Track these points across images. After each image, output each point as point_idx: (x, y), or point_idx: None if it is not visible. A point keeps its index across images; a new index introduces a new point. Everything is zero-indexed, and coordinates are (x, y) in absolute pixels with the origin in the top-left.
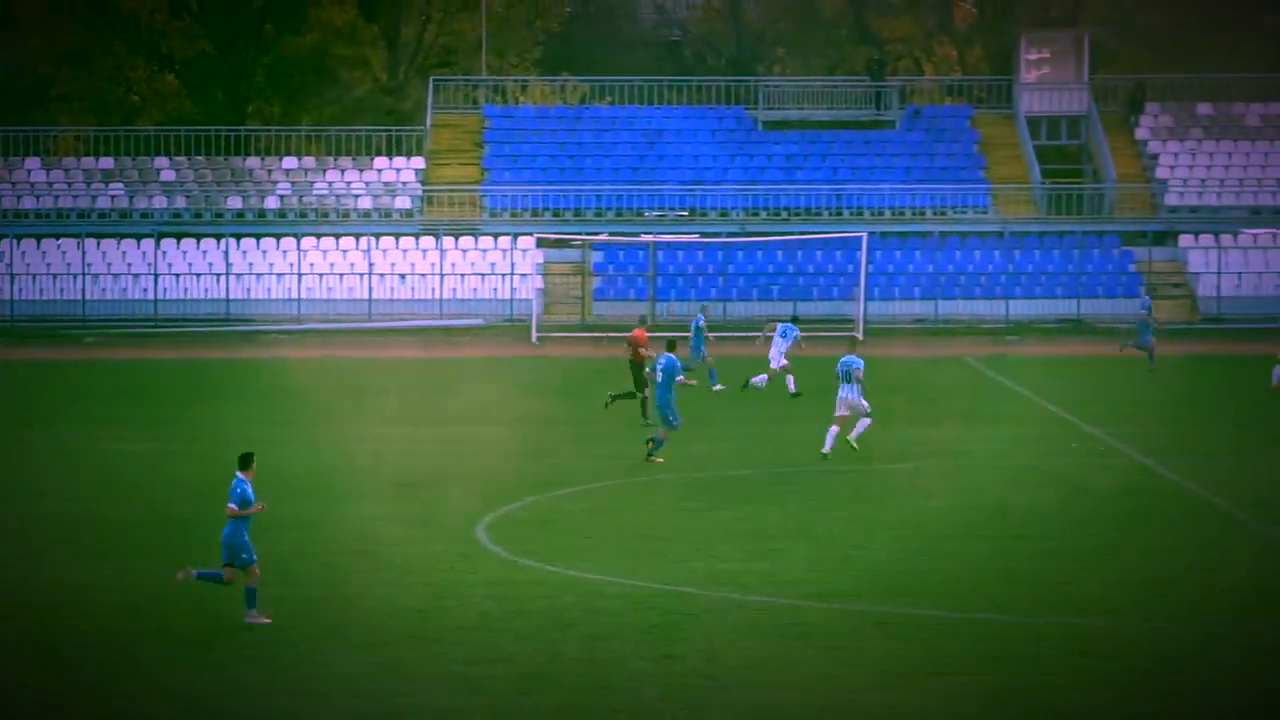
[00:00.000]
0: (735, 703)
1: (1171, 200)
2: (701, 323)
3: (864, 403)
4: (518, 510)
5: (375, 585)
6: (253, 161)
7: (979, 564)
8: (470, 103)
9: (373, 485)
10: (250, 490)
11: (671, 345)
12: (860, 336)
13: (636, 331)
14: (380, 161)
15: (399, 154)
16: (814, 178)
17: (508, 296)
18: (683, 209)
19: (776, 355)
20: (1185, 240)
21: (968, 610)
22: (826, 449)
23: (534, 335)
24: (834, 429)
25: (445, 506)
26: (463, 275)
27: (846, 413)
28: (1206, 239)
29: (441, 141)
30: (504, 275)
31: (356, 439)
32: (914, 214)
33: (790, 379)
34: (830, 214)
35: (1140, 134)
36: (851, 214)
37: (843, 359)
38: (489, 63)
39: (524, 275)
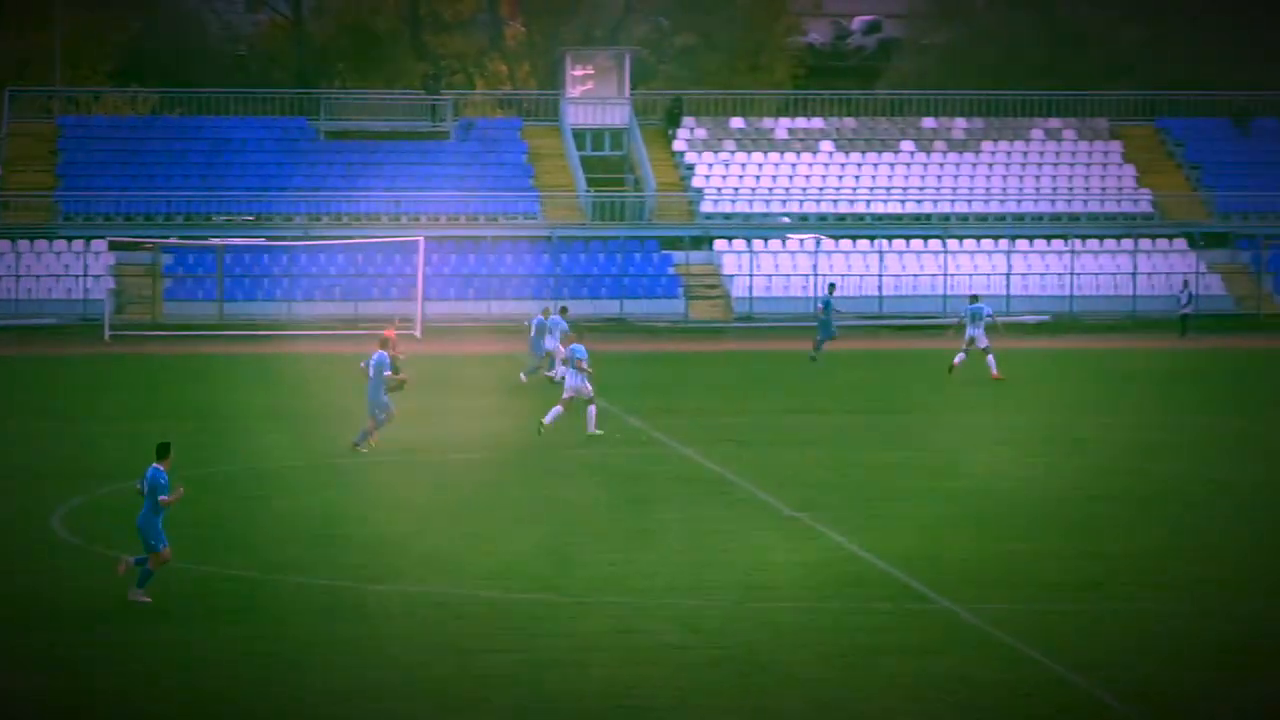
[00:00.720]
0: (307, 682)
1: (707, 207)
2: (540, 322)
3: (588, 386)
4: (93, 500)
5: None
6: None
7: (535, 547)
8: (45, 112)
9: None
10: (167, 478)
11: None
12: (418, 334)
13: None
14: None
15: None
16: (373, 185)
17: (81, 297)
18: (250, 214)
19: (551, 346)
20: (720, 245)
21: (527, 591)
22: (546, 420)
23: (106, 334)
24: (557, 408)
25: (26, 496)
26: (38, 277)
27: (571, 395)
28: (739, 244)
29: (17, 150)
30: (77, 277)
31: None
32: (468, 219)
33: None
34: (389, 219)
35: (678, 145)
36: (409, 220)
37: (570, 347)
38: (63, 74)
39: (97, 277)
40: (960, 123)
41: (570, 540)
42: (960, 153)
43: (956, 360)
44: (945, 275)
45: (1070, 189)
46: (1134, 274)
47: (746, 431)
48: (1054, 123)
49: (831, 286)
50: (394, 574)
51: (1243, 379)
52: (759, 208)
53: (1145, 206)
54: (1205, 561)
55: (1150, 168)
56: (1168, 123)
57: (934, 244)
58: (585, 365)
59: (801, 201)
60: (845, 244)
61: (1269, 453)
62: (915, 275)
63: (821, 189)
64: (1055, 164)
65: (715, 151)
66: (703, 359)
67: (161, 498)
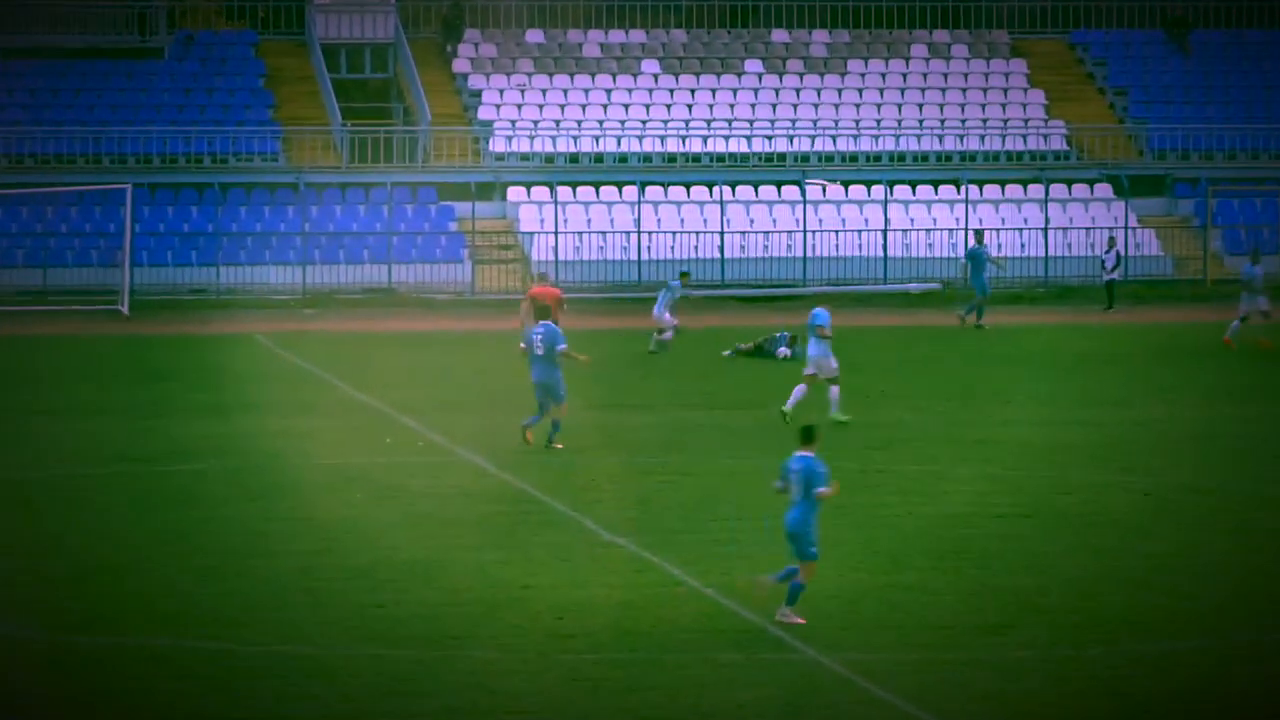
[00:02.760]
0: None
1: (497, 146)
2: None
3: (832, 361)
4: None
5: None
6: None
7: (278, 586)
8: None
9: None
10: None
11: None
12: (125, 311)
13: (546, 290)
14: None
15: None
16: (65, 117)
17: None
18: None
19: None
20: (515, 194)
21: (268, 643)
22: (788, 406)
23: None
24: (801, 387)
25: None
26: None
27: (814, 371)
28: (540, 193)
29: None
30: None
31: None
32: (190, 161)
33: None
34: (87, 161)
35: (459, 66)
36: (113, 161)
37: (813, 311)
38: None
39: None
40: (821, 36)
41: (325, 576)
42: (820, 75)
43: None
44: (804, 232)
45: (962, 121)
46: (1045, 229)
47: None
48: (940, 36)
49: (979, 234)
50: (101, 620)
51: (1182, 362)
52: (564, 146)
53: (1058, 142)
54: (1136, 595)
55: (1063, 93)
56: (1084, 36)
57: (789, 191)
58: (828, 331)
59: (619, 138)
60: (676, 192)
61: (1213, 455)
62: (766, 232)
63: (644, 122)
64: (942, 89)
65: (507, 74)
66: (496, 340)
67: (820, 490)
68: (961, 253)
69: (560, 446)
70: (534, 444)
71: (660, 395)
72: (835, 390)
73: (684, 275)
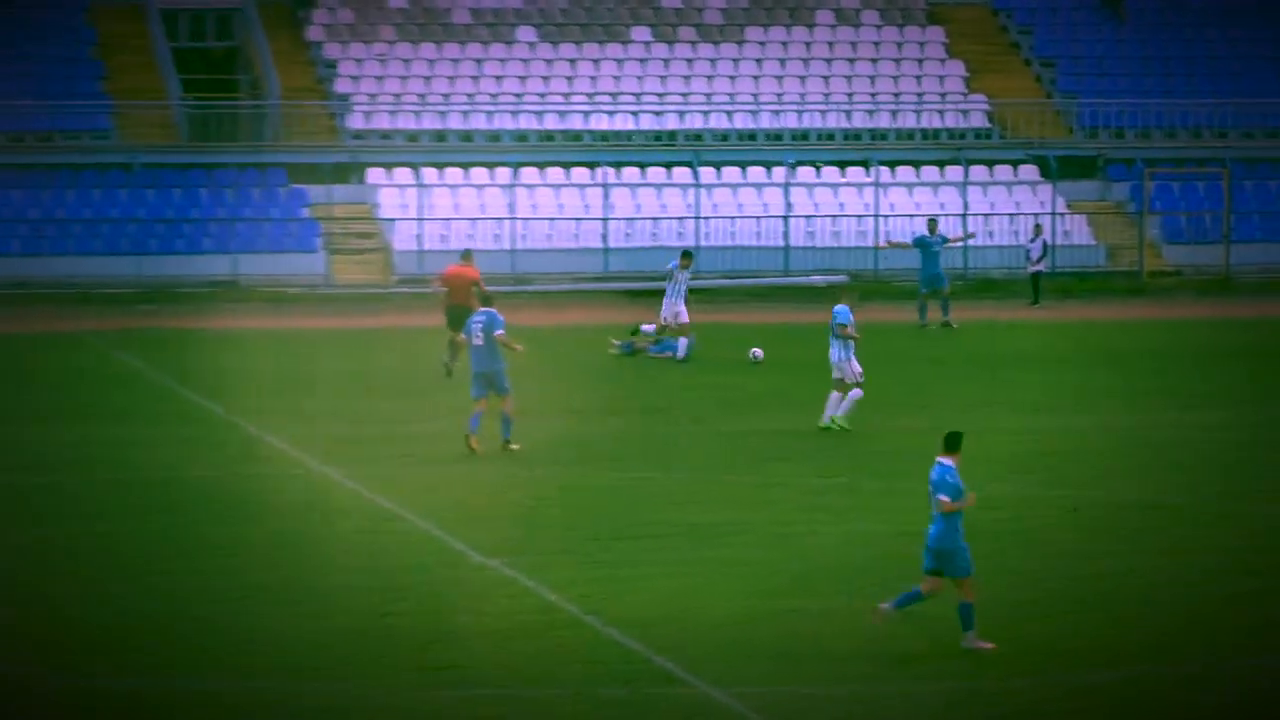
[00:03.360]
0: None
1: (355, 123)
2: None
3: (856, 365)
4: None
5: None
6: None
7: (109, 610)
8: None
9: None
10: (957, 478)
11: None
12: None
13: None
14: None
15: None
16: None
17: None
18: None
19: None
20: (375, 176)
21: (105, 675)
22: (840, 414)
23: None
24: (835, 395)
25: None
26: None
27: (839, 376)
28: (403, 175)
29: None
30: None
31: None
32: (10, 140)
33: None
34: None
35: (312, 34)
36: None
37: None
38: None
39: None
40: (716, 1)
41: (162, 599)
42: (716, 44)
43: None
44: (697, 219)
45: (872, 95)
46: (964, 215)
47: (421, 442)
48: (848, 1)
49: (932, 222)
50: None
51: (1115, 364)
52: (430, 123)
53: (978, 119)
54: (1066, 621)
55: (985, 64)
56: (1009, 1)
57: (680, 173)
58: (852, 331)
59: (490, 114)
60: (554, 174)
61: (1148, 466)
62: (655, 219)
63: (520, 96)
64: (850, 59)
65: (367, 42)
66: (352, 339)
67: (942, 499)
68: (870, 240)
69: (517, 447)
70: (480, 451)
71: (541, 400)
72: (856, 394)
73: (686, 256)
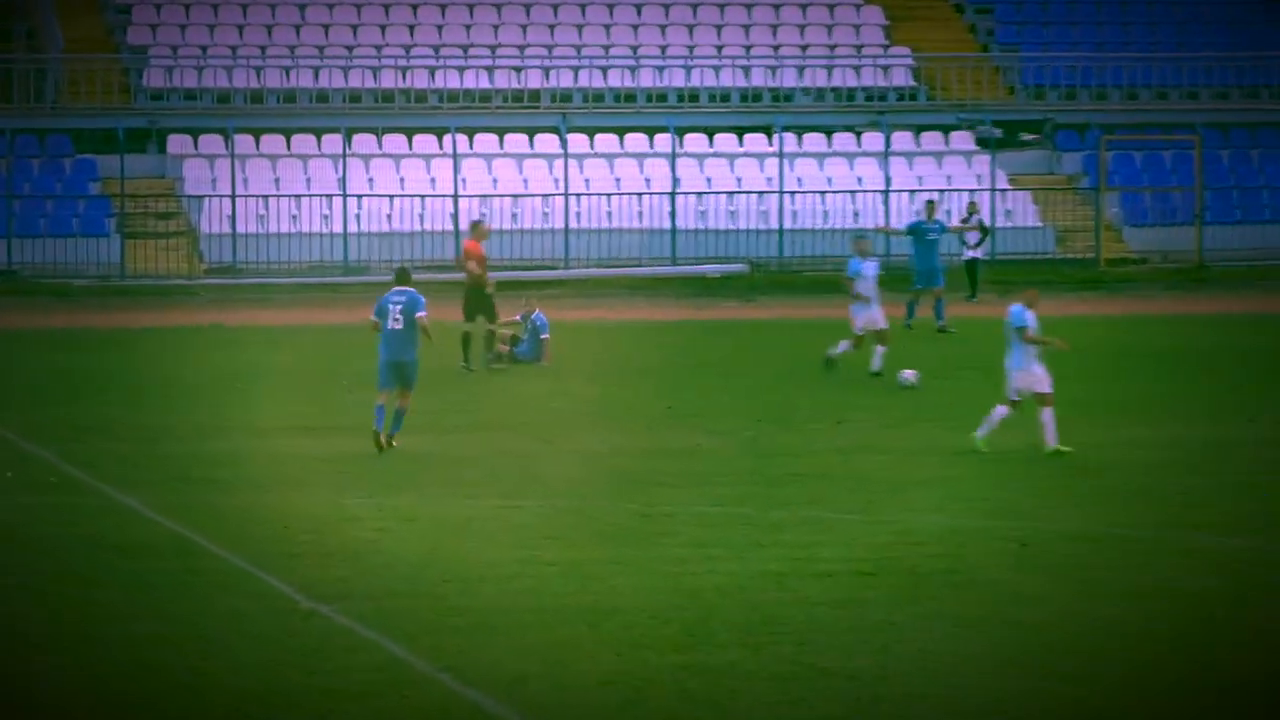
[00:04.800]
0: None
1: (154, 81)
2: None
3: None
4: None
5: None
6: None
7: None
8: None
9: None
10: None
11: None
12: None
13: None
14: None
15: None
16: None
17: None
18: None
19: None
20: (178, 144)
21: None
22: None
23: None
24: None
25: None
26: None
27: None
28: (212, 144)
29: None
30: None
31: None
32: None
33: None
34: None
35: None
36: None
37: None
38: None
39: None
40: None
41: None
42: None
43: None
44: (565, 196)
45: (774, 49)
46: (885, 192)
47: (234, 463)
48: None
49: (930, 205)
50: None
51: (1063, 372)
52: (244, 80)
53: (901, 77)
54: (1008, 678)
55: (908, 12)
56: None
57: (544, 142)
58: (1035, 334)
59: (317, 70)
60: (393, 142)
61: (1103, 493)
62: (515, 195)
63: (351, 49)
64: (748, 6)
65: None
66: (152, 340)
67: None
68: (774, 222)
69: (399, 444)
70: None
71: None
72: (1048, 414)
73: (861, 239)
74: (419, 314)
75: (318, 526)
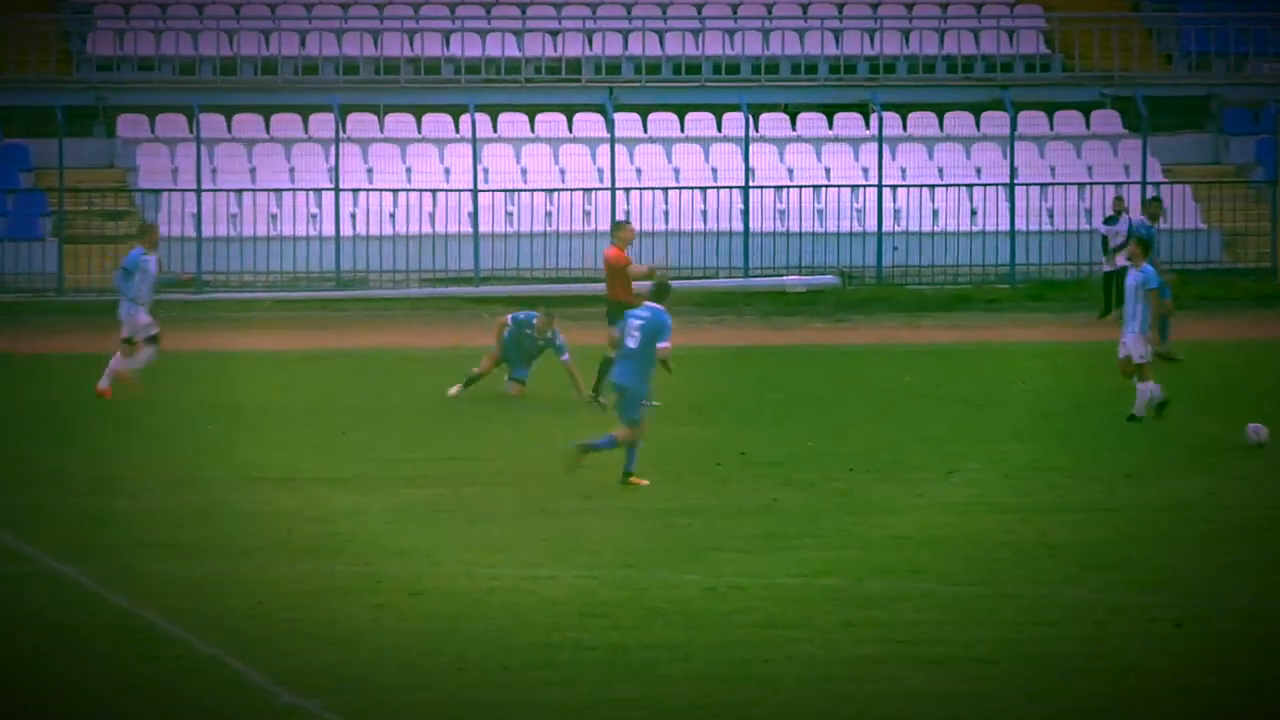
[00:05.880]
0: None
1: (102, 47)
2: None
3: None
4: None
5: None
6: None
7: None
8: None
9: None
10: None
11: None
12: None
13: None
14: None
15: None
16: None
17: None
18: None
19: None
20: (129, 126)
21: None
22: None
23: None
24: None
25: None
26: None
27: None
28: (173, 124)
29: None
30: None
31: None
32: None
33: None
34: None
35: None
36: None
37: None
38: None
39: None
40: None
41: None
42: None
43: None
44: (612, 191)
45: (873, 7)
46: (1010, 185)
47: (194, 521)
48: None
49: (1119, 201)
50: None
51: (1235, 408)
52: (210, 47)
53: (1030, 43)
54: None
55: None
56: None
57: (586, 123)
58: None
59: (303, 35)
60: (397, 124)
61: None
62: (553, 189)
63: (346, 7)
64: None
65: None
66: (96, 370)
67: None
68: (871, 223)
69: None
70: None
71: (365, 462)
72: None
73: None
74: (661, 344)
75: (301, 602)
